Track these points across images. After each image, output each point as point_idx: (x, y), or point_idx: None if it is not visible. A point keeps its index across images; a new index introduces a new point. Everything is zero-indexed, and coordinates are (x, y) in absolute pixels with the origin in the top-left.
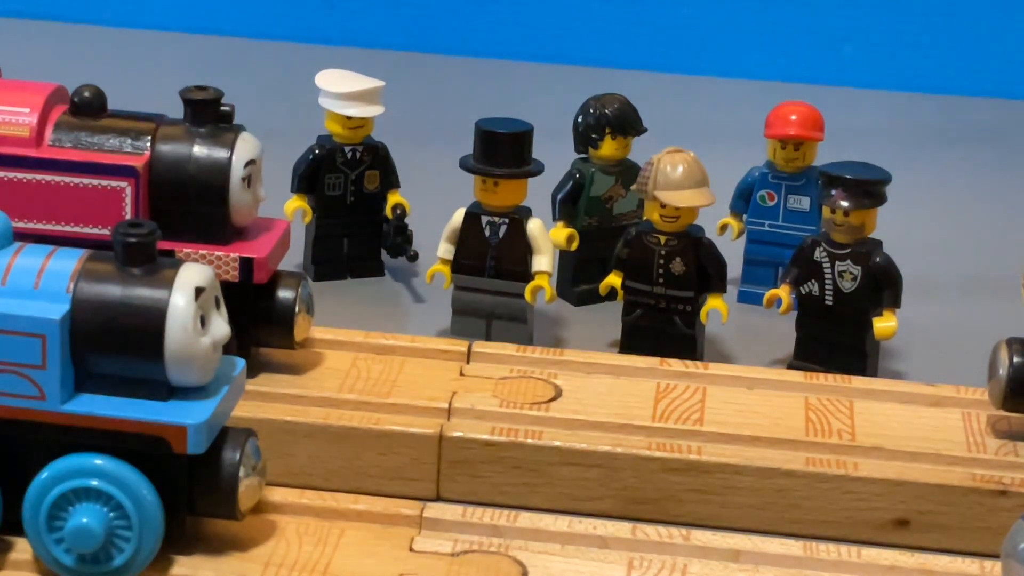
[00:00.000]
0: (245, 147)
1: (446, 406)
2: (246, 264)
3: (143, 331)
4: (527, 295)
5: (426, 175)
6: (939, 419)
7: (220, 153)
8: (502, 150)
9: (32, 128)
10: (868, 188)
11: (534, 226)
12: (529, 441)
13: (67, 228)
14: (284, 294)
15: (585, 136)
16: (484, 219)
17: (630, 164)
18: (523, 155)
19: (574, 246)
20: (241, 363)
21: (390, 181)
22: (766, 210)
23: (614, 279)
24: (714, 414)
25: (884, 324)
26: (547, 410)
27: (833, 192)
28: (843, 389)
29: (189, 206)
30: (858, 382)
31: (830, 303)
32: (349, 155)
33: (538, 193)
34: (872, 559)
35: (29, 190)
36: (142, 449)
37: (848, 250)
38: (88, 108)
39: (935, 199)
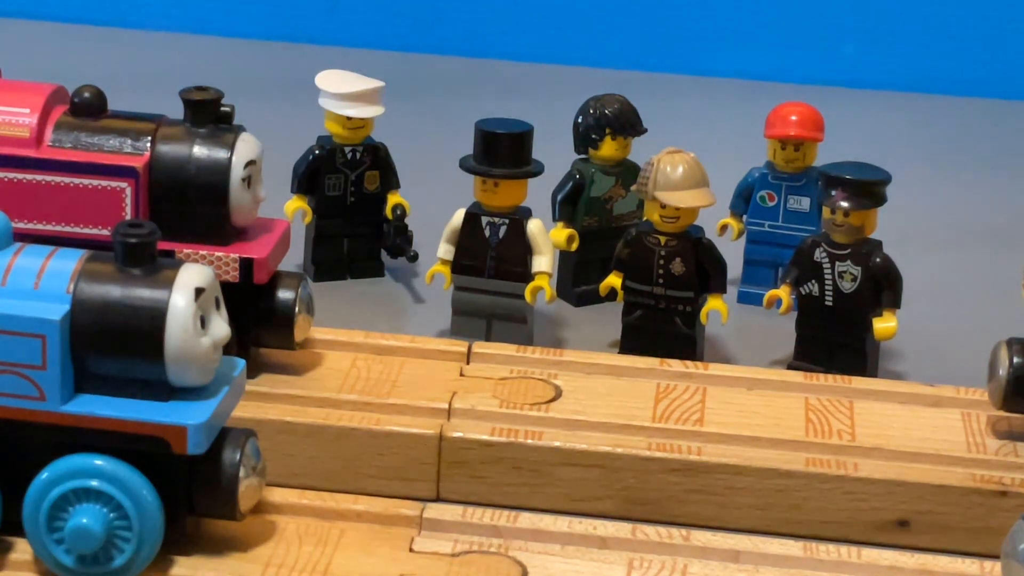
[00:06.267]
0: (245, 147)
1: (446, 406)
2: (246, 264)
3: (143, 331)
4: (527, 295)
5: (426, 175)
6: (939, 419)
7: (220, 153)
8: (502, 150)
9: (32, 129)
10: (868, 188)
11: (534, 226)
12: (529, 441)
13: (67, 228)
14: (284, 294)
15: (585, 136)
16: (484, 219)
17: (630, 164)
18: (523, 155)
19: (574, 246)
20: (241, 363)
21: (390, 182)
22: (766, 210)
23: (614, 279)
24: (714, 414)
25: (884, 324)
26: (547, 410)
27: (833, 192)
28: (843, 389)
29: (189, 207)
30: (858, 382)
31: (830, 303)
32: (349, 156)
33: (538, 193)
34: (872, 559)
35: (29, 190)
36: (142, 449)
37: (848, 250)
38: (88, 108)
39: (935, 199)
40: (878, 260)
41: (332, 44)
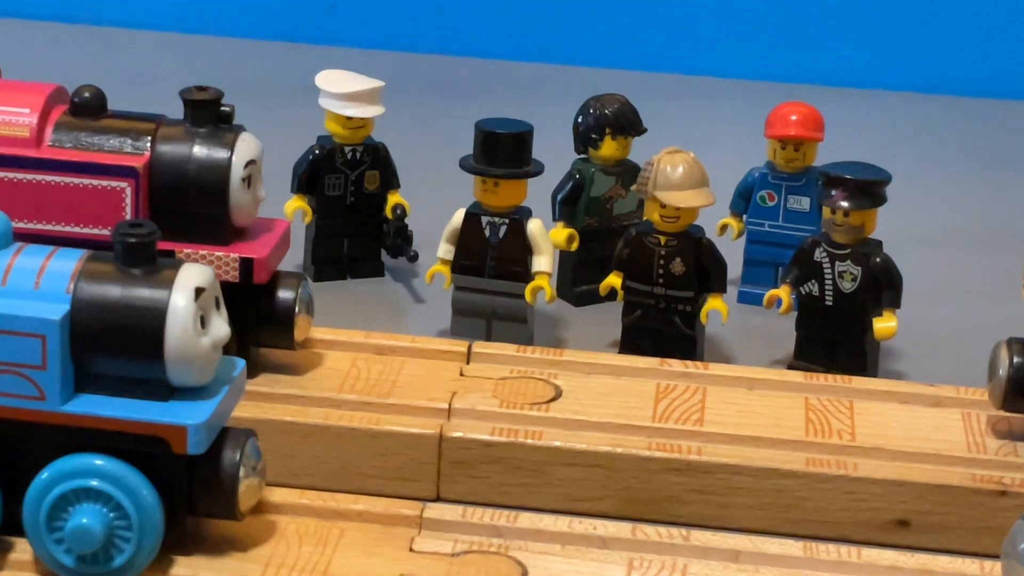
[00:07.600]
0: (245, 147)
1: (446, 406)
2: (246, 264)
3: (143, 331)
4: (527, 295)
5: (426, 175)
6: (939, 419)
7: (220, 153)
8: (502, 150)
9: (32, 128)
10: (868, 188)
11: (534, 226)
12: (529, 441)
13: (67, 228)
14: (284, 294)
15: (585, 136)
16: (484, 219)
17: (630, 164)
18: (523, 155)
19: (574, 246)
20: (241, 363)
21: (390, 181)
22: (766, 210)
23: (614, 279)
24: (714, 414)
25: (884, 324)
26: (547, 410)
27: (833, 192)
28: (843, 389)
29: (189, 206)
30: (858, 382)
31: (830, 303)
32: (349, 155)
33: (538, 193)
34: (872, 559)
35: (29, 190)
36: (142, 449)
37: (848, 250)
38: (88, 108)
39: (935, 199)
40: (878, 260)
41: (332, 44)
